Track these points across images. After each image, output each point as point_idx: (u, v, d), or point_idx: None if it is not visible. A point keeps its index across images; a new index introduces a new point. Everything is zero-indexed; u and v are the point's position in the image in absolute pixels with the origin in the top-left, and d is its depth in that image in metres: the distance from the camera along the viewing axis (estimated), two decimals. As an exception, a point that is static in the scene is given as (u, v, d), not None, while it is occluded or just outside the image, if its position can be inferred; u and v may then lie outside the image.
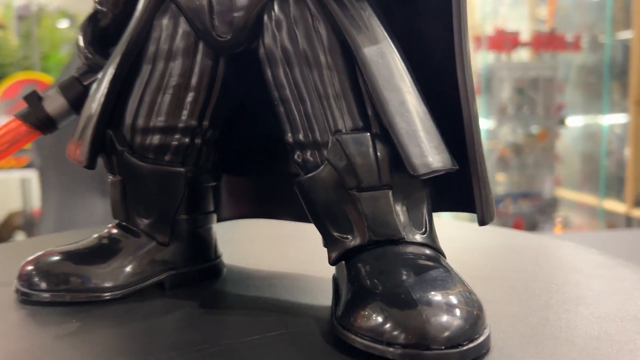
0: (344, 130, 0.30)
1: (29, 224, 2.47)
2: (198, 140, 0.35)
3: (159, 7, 0.34)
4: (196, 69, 0.34)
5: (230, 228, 0.48)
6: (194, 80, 0.34)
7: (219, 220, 0.42)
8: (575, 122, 2.71)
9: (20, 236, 2.51)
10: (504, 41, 2.37)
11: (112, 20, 0.39)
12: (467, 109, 0.31)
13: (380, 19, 0.32)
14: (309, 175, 0.31)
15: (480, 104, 2.61)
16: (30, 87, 2.20)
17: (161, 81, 0.34)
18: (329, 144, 0.30)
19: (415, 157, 0.29)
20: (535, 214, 2.55)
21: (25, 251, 0.38)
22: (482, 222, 0.33)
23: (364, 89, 0.30)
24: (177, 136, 0.35)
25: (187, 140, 0.35)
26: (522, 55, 2.53)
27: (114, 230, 0.37)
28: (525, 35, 2.52)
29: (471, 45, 0.29)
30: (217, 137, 0.37)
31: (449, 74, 0.32)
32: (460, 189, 0.33)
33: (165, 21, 0.34)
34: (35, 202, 2.44)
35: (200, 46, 0.34)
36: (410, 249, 0.30)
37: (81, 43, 0.39)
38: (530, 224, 2.56)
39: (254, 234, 0.54)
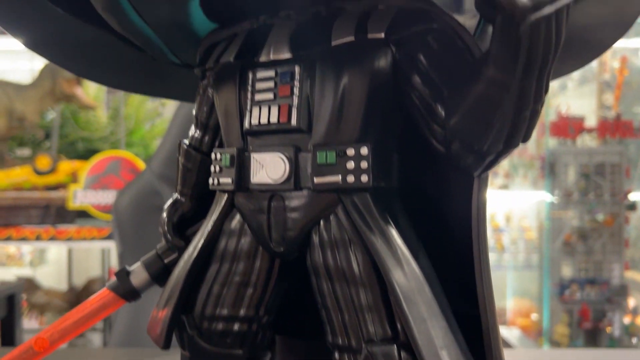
0: (375, 339, 0.35)
1: None
2: (255, 327, 0.42)
3: (228, 214, 0.41)
4: (255, 269, 0.40)
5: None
6: (253, 278, 0.41)
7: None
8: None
9: None
10: (569, 127, 2.38)
11: (189, 209, 0.47)
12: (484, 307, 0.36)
13: (406, 230, 0.38)
14: None
15: (544, 188, 2.60)
16: (115, 163, 2.39)
17: (226, 278, 0.41)
18: (362, 354, 0.35)
19: None
20: (604, 301, 2.47)
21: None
22: None
23: (393, 303, 0.35)
24: (237, 324, 0.41)
25: (245, 327, 0.42)
26: (588, 140, 2.52)
27: None
28: (590, 121, 2.51)
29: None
30: (272, 320, 0.43)
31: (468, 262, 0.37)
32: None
33: (232, 226, 0.41)
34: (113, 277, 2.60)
35: (260, 250, 0.40)
36: None
37: (164, 226, 0.47)
38: (598, 312, 2.48)
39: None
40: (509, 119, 0.32)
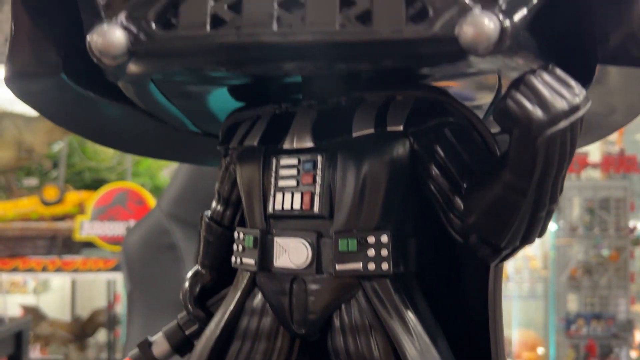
0: None
1: (111, 322, 2.62)
2: None
3: (250, 293, 0.42)
4: (276, 349, 0.41)
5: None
6: (273, 359, 0.41)
7: None
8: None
9: (102, 333, 2.66)
10: (573, 162, 2.39)
11: (210, 281, 0.49)
12: None
13: (424, 314, 0.39)
14: None
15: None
16: (122, 195, 2.41)
17: (248, 357, 0.41)
18: None
19: None
20: (610, 337, 2.47)
21: None
22: None
23: None
24: None
25: None
26: (592, 175, 2.54)
27: None
28: (594, 156, 2.54)
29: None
30: None
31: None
32: None
33: (254, 305, 0.41)
34: (118, 303, 2.61)
35: (281, 330, 0.41)
36: None
37: (186, 297, 0.49)
38: (604, 347, 2.48)
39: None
40: (526, 219, 0.33)
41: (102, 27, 0.31)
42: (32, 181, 2.80)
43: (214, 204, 0.49)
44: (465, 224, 0.36)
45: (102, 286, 2.71)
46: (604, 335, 2.50)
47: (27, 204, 2.50)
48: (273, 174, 0.41)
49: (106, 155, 2.90)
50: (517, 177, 0.32)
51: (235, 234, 0.43)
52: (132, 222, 2.31)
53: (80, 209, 2.51)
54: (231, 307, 0.42)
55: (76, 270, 2.33)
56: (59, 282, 3.13)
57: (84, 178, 2.87)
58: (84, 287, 3.02)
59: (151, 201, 2.36)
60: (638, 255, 2.62)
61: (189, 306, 0.48)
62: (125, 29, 0.31)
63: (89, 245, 2.43)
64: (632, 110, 0.43)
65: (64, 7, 0.38)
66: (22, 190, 2.65)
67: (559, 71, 0.31)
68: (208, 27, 0.31)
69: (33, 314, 2.55)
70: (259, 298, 0.42)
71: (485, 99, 0.44)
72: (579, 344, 2.52)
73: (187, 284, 0.49)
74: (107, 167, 2.88)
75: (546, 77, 0.31)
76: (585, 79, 0.37)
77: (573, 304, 2.59)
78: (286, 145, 0.40)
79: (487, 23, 0.28)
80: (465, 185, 0.36)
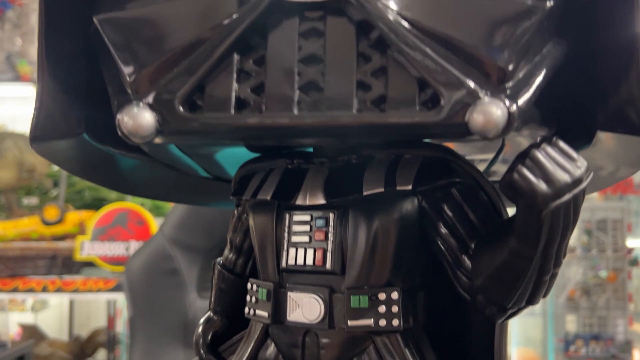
0: None
1: (111, 342, 2.62)
2: None
3: (263, 343, 0.43)
4: None
5: None
6: None
7: None
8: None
9: (102, 353, 2.66)
10: None
11: (222, 326, 0.50)
12: None
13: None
14: None
15: None
16: (122, 215, 2.42)
17: None
18: None
19: None
20: (609, 358, 2.47)
21: None
22: None
23: None
24: None
25: None
26: (589, 196, 2.56)
27: None
28: None
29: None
30: None
31: None
32: None
33: (267, 355, 0.42)
34: (119, 323, 2.61)
35: None
36: None
37: (199, 344, 0.50)
38: None
39: None
40: (531, 283, 0.35)
41: (132, 109, 0.33)
42: (33, 200, 2.81)
43: (226, 252, 0.51)
44: (474, 284, 0.37)
45: (100, 305, 2.72)
46: (603, 356, 2.50)
47: (27, 224, 2.51)
48: (286, 229, 0.42)
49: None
50: (523, 245, 0.34)
51: (249, 285, 0.45)
52: (132, 243, 2.33)
53: (81, 228, 2.51)
54: (244, 358, 0.44)
55: (76, 291, 2.34)
56: (57, 299, 3.13)
57: (84, 197, 2.88)
58: (82, 305, 3.02)
59: (151, 221, 2.37)
60: (635, 275, 2.64)
61: (202, 352, 0.50)
62: (154, 110, 0.33)
63: (89, 264, 2.44)
64: (636, 162, 0.44)
65: (88, 66, 0.40)
66: (23, 210, 2.65)
67: (562, 143, 0.33)
68: (232, 110, 0.33)
69: (31, 332, 2.55)
70: (271, 349, 0.43)
71: (487, 155, 0.46)
72: (578, 364, 2.52)
73: (199, 329, 0.51)
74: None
75: (550, 150, 0.32)
76: (585, 139, 0.38)
77: (572, 324, 2.59)
78: (299, 202, 0.42)
79: (496, 111, 0.30)
80: (473, 246, 0.38)
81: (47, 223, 2.49)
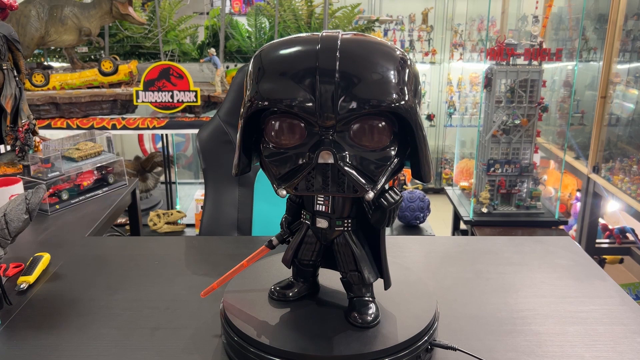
0: None
1: (166, 161, 3.40)
2: None
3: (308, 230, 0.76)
4: (316, 248, 0.79)
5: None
6: (316, 250, 0.80)
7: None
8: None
9: (159, 169, 3.42)
10: (503, 52, 3.05)
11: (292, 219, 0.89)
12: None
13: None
14: None
15: (482, 96, 3.30)
16: (165, 70, 3.08)
17: (304, 251, 0.79)
18: None
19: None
20: (517, 175, 3.18)
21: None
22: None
23: None
24: None
25: None
26: (517, 61, 3.10)
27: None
28: (520, 48, 3.13)
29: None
30: None
31: None
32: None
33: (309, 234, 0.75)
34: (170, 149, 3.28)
35: (319, 243, 0.76)
36: None
37: (283, 223, 0.88)
38: (511, 182, 3.20)
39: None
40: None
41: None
42: (84, 49, 3.40)
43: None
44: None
45: (146, 137, 3.34)
46: (512, 174, 3.16)
47: (89, 75, 3.14)
48: None
49: (137, 28, 3.48)
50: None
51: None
52: (175, 92, 3.02)
53: (131, 77, 3.18)
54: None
55: (137, 127, 3.09)
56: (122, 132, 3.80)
57: (124, 45, 3.48)
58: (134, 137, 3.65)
59: (188, 75, 3.03)
60: (545, 117, 3.31)
61: (284, 227, 0.89)
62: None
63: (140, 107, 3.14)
64: None
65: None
66: (83, 63, 3.28)
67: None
68: None
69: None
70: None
71: None
72: (495, 180, 3.19)
73: (283, 218, 0.88)
74: (141, 35, 3.47)
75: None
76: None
77: (494, 155, 3.15)
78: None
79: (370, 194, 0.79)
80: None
81: (104, 74, 3.16)
